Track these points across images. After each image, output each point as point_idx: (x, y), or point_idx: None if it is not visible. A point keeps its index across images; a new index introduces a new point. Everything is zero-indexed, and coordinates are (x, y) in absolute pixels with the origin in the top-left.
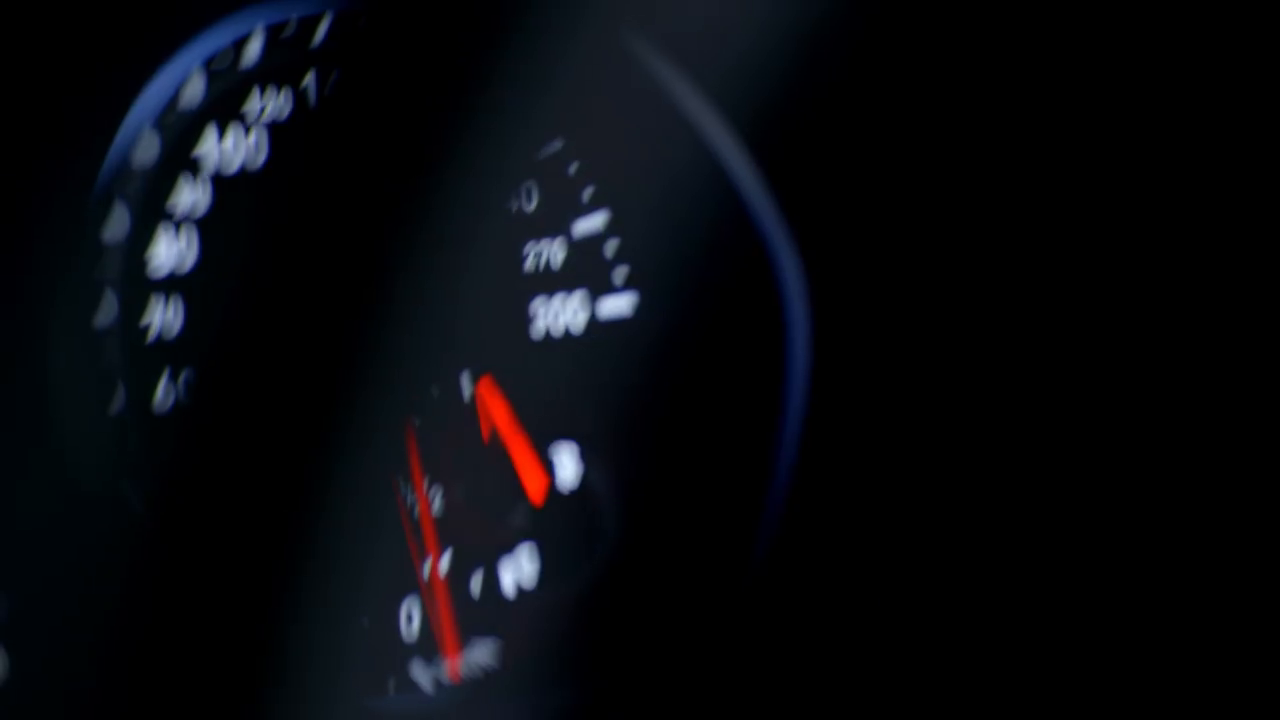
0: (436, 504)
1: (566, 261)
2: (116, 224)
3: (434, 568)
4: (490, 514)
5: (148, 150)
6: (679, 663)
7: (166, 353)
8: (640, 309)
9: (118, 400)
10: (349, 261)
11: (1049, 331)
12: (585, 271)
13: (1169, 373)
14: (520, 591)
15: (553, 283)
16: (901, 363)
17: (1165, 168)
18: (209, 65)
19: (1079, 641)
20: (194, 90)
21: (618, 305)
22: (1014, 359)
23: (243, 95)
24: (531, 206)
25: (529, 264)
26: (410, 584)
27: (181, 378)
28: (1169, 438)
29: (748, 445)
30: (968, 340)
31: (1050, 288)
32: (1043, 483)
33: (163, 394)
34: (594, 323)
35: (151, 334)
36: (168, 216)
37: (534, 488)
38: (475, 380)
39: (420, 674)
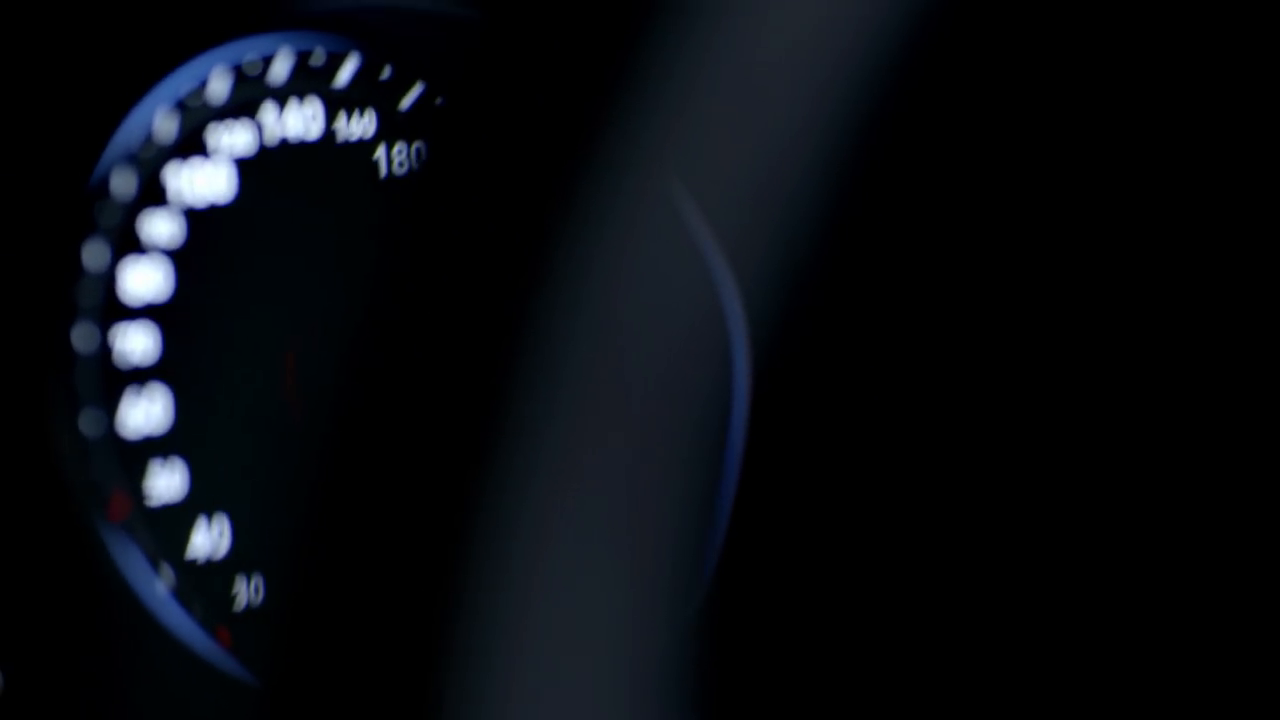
0: None
1: None
2: (96, 255)
3: None
4: None
5: (125, 184)
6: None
7: (143, 379)
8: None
9: (97, 425)
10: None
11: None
12: None
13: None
14: None
15: None
16: (842, 383)
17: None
18: (182, 102)
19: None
20: (168, 126)
21: None
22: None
23: (206, 130)
24: None
25: None
26: None
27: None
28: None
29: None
30: (912, 362)
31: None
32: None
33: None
34: None
35: (129, 361)
36: (144, 248)
37: None
38: None
39: None
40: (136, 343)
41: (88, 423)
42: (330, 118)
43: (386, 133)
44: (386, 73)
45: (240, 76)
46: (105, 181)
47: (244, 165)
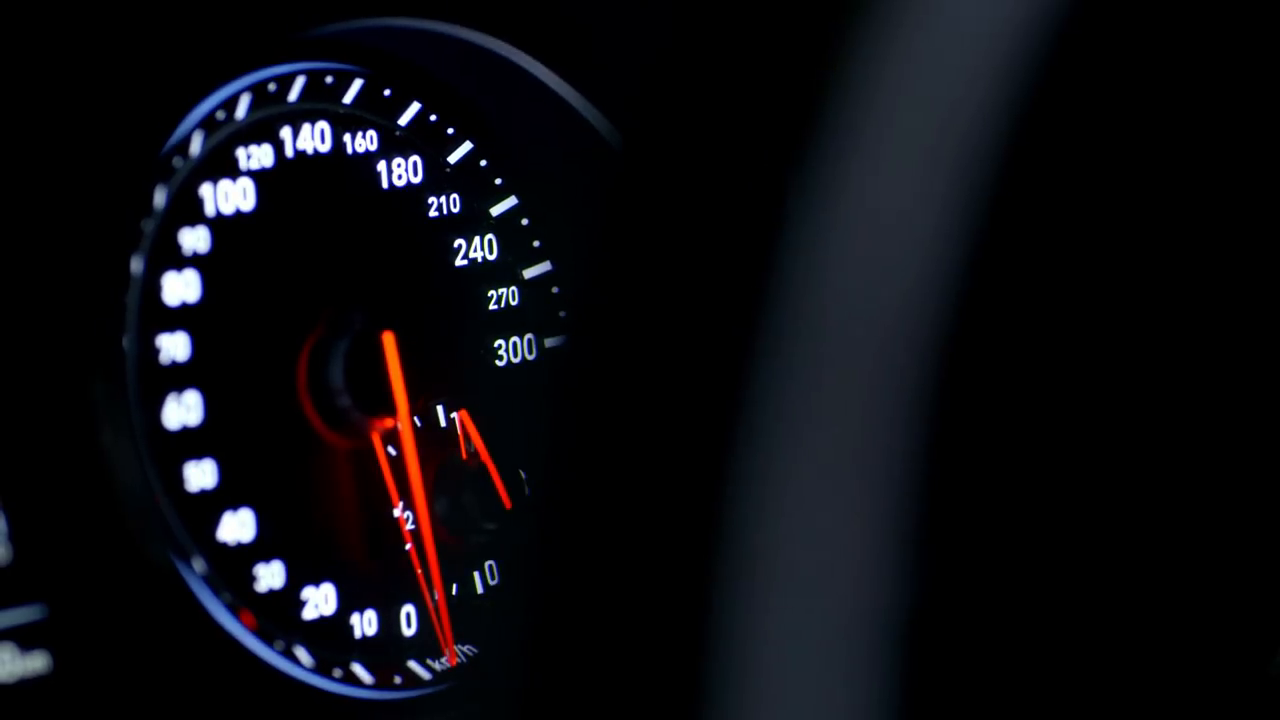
0: (410, 522)
1: (521, 303)
2: (139, 265)
3: (434, 577)
4: (464, 528)
5: (161, 199)
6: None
7: (175, 377)
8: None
9: (141, 421)
10: None
11: None
12: (535, 311)
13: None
14: (490, 596)
15: (511, 321)
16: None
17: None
18: (209, 123)
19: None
20: (198, 145)
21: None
22: None
23: (230, 147)
24: (493, 256)
25: (491, 306)
26: (410, 591)
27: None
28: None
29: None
30: None
31: None
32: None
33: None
34: (544, 354)
35: (167, 362)
36: (176, 256)
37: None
38: (449, 410)
39: (419, 668)
40: (173, 345)
41: (134, 419)
42: (338, 134)
43: (388, 147)
44: (387, 92)
45: (260, 98)
46: (149, 197)
47: (264, 178)
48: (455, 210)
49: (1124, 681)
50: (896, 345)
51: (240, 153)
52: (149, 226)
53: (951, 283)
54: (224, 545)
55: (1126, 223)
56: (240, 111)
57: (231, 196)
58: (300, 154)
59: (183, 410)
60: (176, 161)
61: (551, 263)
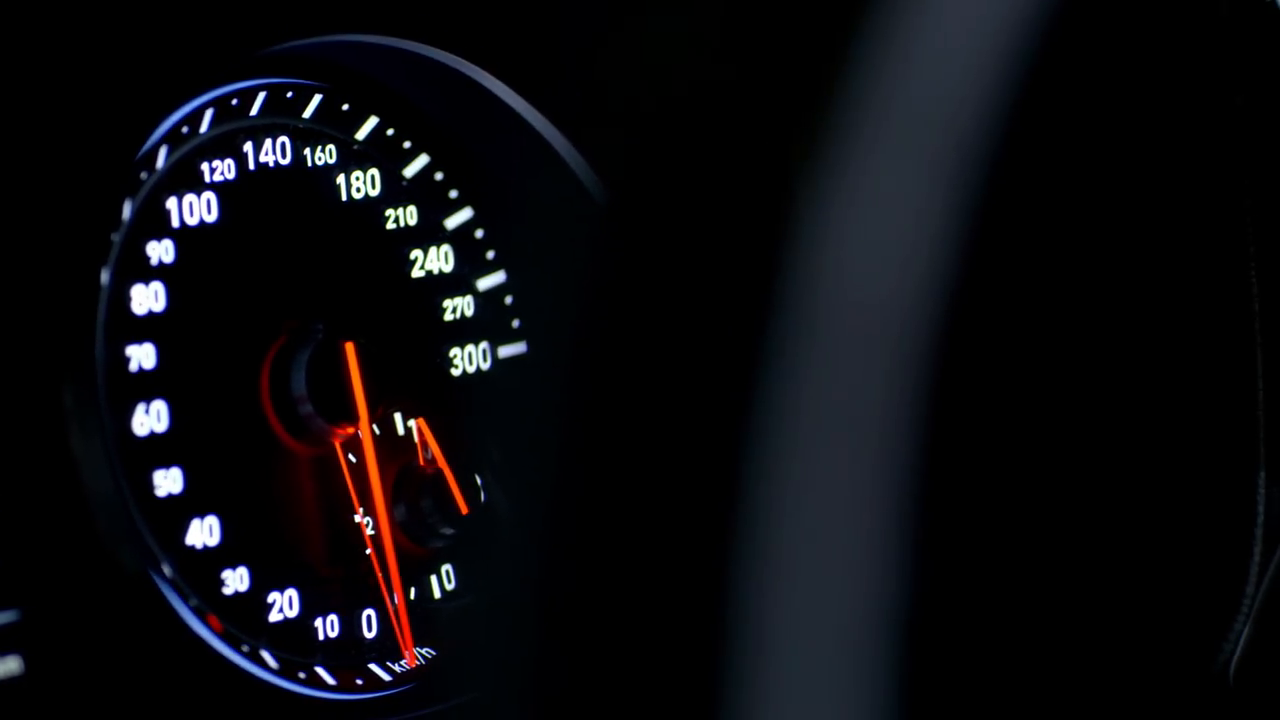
0: (370, 527)
1: (476, 313)
2: (108, 277)
3: (394, 581)
4: (423, 533)
5: (128, 212)
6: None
7: (143, 386)
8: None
9: (110, 428)
10: None
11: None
12: (490, 321)
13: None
14: (447, 600)
15: (466, 331)
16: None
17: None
18: (174, 137)
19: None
20: (159, 158)
21: (515, 349)
22: None
23: (193, 160)
24: (449, 268)
25: (447, 316)
26: (370, 595)
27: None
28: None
29: None
30: None
31: None
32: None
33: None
34: (498, 363)
35: (135, 371)
36: (142, 267)
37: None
38: (407, 418)
39: (379, 670)
40: (141, 354)
41: (104, 426)
42: (298, 148)
43: (346, 161)
44: (345, 107)
45: (222, 112)
46: (117, 210)
47: (227, 191)
48: (412, 222)
49: (1095, 677)
50: (896, 349)
51: (204, 166)
52: (116, 239)
53: (950, 286)
54: (191, 550)
55: (1121, 225)
56: (203, 126)
57: (196, 209)
58: (262, 167)
59: (150, 418)
60: (142, 175)
61: (506, 273)
